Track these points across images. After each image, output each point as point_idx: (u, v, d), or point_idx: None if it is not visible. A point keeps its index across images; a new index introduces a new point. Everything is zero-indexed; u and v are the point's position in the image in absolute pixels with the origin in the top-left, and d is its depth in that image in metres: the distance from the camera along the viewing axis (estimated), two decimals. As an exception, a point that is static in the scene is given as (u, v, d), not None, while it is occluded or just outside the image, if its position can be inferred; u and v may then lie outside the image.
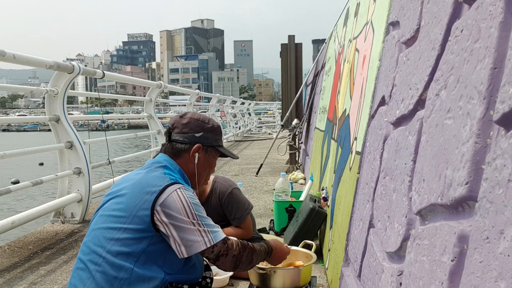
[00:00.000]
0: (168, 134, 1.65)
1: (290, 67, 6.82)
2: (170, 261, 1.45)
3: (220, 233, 1.47)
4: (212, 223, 1.49)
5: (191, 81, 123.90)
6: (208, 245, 1.42)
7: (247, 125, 16.37)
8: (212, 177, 2.59)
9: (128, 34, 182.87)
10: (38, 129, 42.40)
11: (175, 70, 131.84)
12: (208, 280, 1.67)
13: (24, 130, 48.75)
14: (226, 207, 2.50)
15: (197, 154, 1.61)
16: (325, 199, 2.72)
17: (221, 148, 1.70)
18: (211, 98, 11.07)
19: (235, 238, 1.58)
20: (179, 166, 1.60)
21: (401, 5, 1.55)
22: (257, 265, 1.93)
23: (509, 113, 0.69)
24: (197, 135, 1.62)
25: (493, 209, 0.70)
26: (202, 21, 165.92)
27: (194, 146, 1.60)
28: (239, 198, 2.54)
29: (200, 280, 1.63)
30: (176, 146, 1.61)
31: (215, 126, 1.69)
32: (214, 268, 2.17)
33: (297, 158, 6.35)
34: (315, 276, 2.13)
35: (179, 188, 1.45)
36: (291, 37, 6.96)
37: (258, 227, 3.11)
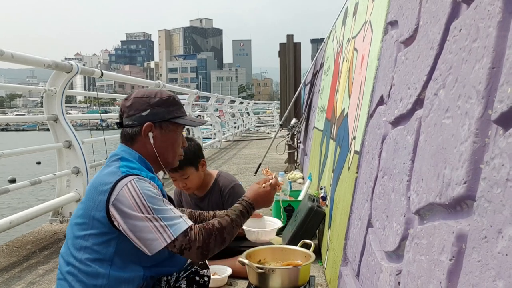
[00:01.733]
0: (120, 120, 1.53)
1: (288, 66, 6.82)
2: (146, 255, 1.36)
3: (181, 225, 1.35)
4: (173, 213, 1.36)
5: (189, 80, 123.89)
6: (168, 241, 1.32)
7: (246, 124, 16.36)
8: (216, 172, 2.61)
9: (126, 34, 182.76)
10: (37, 129, 42.36)
11: (173, 70, 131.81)
12: (206, 279, 1.66)
13: (23, 130, 48.68)
14: (226, 200, 2.51)
15: (150, 134, 1.48)
16: (324, 198, 2.72)
17: (178, 119, 1.52)
18: (210, 97, 11.07)
19: (201, 225, 1.42)
20: (138, 153, 1.48)
21: (399, 5, 1.55)
22: (255, 265, 1.93)
23: (507, 113, 0.70)
24: (144, 114, 1.48)
25: (491, 208, 0.70)
26: (200, 20, 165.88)
27: (143, 126, 1.47)
28: (240, 193, 2.56)
29: (198, 278, 1.63)
30: (128, 132, 1.49)
31: (164, 98, 1.52)
32: (213, 267, 2.18)
33: (295, 158, 6.35)
34: (314, 276, 2.13)
35: (130, 181, 1.35)
36: (290, 37, 6.97)
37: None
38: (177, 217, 1.37)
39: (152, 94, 1.51)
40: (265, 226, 2.40)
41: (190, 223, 1.38)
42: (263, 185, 1.62)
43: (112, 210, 1.34)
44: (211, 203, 2.55)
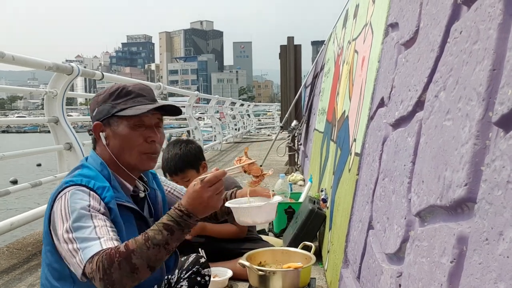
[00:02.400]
0: None
1: (289, 68, 6.82)
2: None
3: (92, 248, 1.11)
4: (93, 234, 1.13)
5: (190, 82, 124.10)
6: (82, 266, 1.11)
7: (246, 126, 16.36)
8: None
9: (127, 36, 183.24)
10: (38, 131, 42.38)
11: (174, 72, 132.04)
12: (207, 278, 1.66)
13: (24, 132, 48.75)
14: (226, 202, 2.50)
15: (102, 134, 1.31)
16: (324, 200, 2.72)
17: (125, 111, 1.29)
18: (211, 99, 11.08)
19: (111, 247, 1.12)
20: (100, 158, 1.33)
21: (400, 7, 1.55)
22: (256, 267, 1.92)
23: (508, 115, 0.70)
24: (93, 114, 1.34)
25: (492, 210, 0.70)
26: (201, 22, 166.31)
27: (93, 127, 1.34)
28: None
29: (199, 279, 1.62)
30: (91, 137, 1.38)
31: (111, 91, 1.33)
32: (213, 269, 2.17)
33: (296, 160, 6.35)
34: (314, 278, 2.12)
35: (66, 193, 1.20)
36: (290, 39, 6.97)
37: (257, 228, 3.11)
38: (94, 239, 1.12)
39: (102, 92, 1.37)
40: None
41: (105, 246, 1.11)
42: (194, 182, 1.21)
43: (51, 226, 1.21)
44: None
